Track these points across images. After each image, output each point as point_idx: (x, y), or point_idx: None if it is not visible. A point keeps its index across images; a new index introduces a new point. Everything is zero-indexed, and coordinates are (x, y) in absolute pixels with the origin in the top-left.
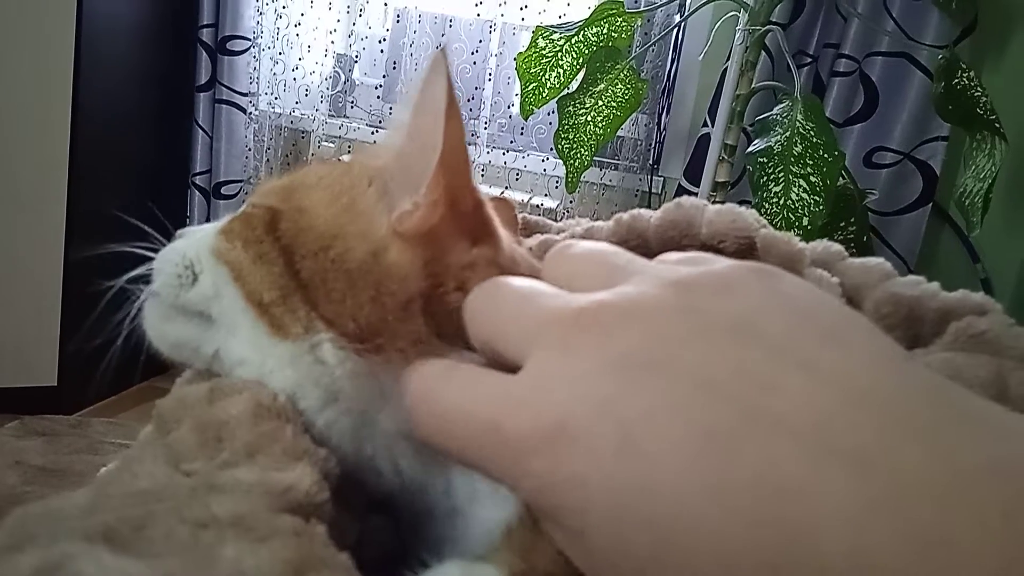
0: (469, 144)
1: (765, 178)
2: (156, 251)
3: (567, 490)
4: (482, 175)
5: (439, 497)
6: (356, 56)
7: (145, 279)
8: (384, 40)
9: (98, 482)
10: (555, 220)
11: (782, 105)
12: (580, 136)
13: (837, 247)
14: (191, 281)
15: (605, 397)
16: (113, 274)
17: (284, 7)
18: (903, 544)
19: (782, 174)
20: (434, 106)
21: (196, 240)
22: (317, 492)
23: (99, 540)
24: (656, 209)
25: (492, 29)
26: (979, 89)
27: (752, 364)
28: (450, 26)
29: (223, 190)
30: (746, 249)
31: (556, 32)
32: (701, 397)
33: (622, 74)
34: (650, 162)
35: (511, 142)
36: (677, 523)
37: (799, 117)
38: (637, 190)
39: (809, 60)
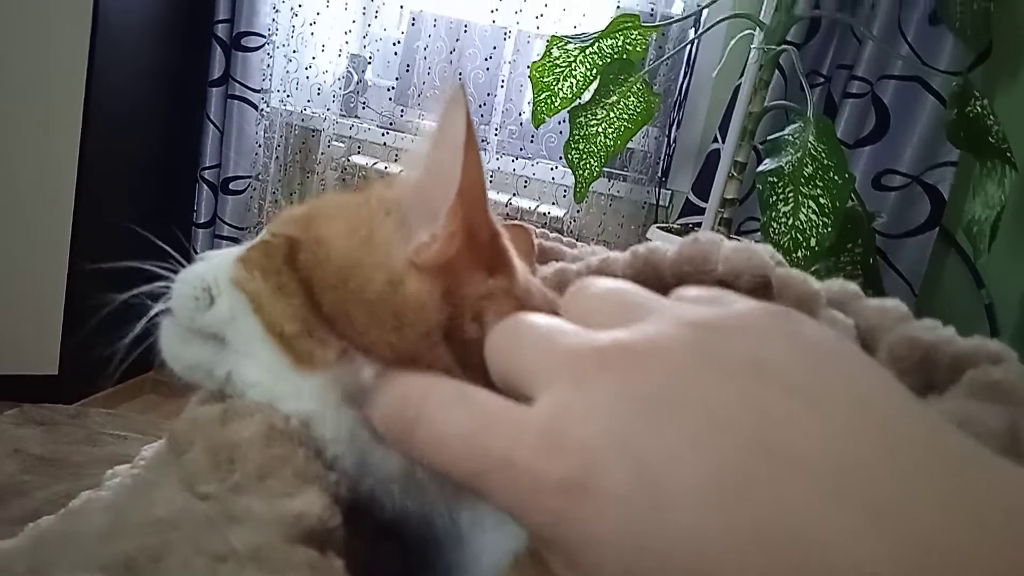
0: (479, 150)
1: (774, 197)
2: (165, 253)
3: (581, 528)
4: (491, 181)
5: (444, 525)
6: (370, 57)
7: (155, 293)
8: (398, 43)
9: (116, 499)
10: (561, 230)
11: (794, 125)
12: (590, 146)
13: (853, 287)
14: (208, 304)
15: (624, 435)
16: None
17: (300, 5)
18: None
19: (791, 194)
20: (453, 140)
21: (215, 264)
22: (329, 518)
23: (119, 571)
24: (663, 221)
25: (507, 36)
26: (991, 117)
27: (770, 404)
28: (465, 31)
29: (231, 185)
30: (761, 287)
31: (571, 42)
32: (719, 437)
33: (635, 87)
34: (659, 175)
35: (521, 149)
36: (693, 564)
37: (811, 138)
38: (645, 202)
39: (822, 80)
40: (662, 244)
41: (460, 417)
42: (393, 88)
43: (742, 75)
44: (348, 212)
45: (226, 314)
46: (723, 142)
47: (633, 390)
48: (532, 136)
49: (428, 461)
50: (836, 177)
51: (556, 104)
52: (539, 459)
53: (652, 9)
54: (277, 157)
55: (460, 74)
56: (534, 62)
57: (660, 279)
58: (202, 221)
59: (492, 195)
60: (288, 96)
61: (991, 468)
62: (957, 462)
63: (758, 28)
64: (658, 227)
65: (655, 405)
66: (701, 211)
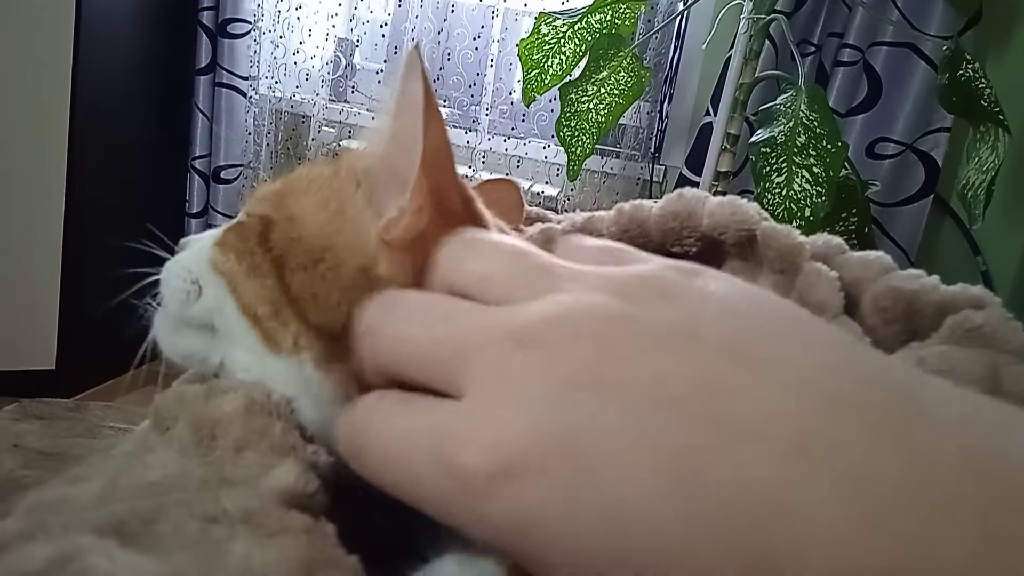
0: (470, 131)
1: (768, 168)
2: (159, 244)
3: (526, 531)
4: (483, 162)
5: None
6: (357, 40)
7: (147, 282)
8: (385, 25)
9: (110, 471)
10: (556, 209)
11: (785, 95)
12: (582, 124)
13: (837, 240)
14: (197, 296)
15: (557, 426)
16: (111, 258)
17: None
18: (888, 556)
19: (785, 164)
20: (413, 106)
21: (196, 252)
22: (305, 483)
23: (110, 533)
24: (657, 198)
25: (495, 15)
26: (983, 80)
27: (708, 372)
28: (452, 11)
29: (223, 174)
30: (746, 241)
31: (559, 18)
32: (663, 415)
33: (625, 62)
34: (652, 150)
35: (512, 129)
36: (654, 555)
37: (803, 107)
38: (638, 178)
39: (813, 49)
40: (647, 201)
41: (395, 430)
42: (382, 71)
43: (732, 46)
44: (319, 186)
45: (213, 303)
46: (715, 115)
47: (562, 375)
48: (523, 115)
49: (377, 482)
50: (829, 146)
51: (546, 82)
52: (470, 461)
53: None
54: (268, 144)
55: (414, 40)
56: (522, 40)
57: (646, 236)
58: (195, 211)
59: (485, 176)
60: (276, 82)
61: (933, 394)
62: (904, 399)
63: None
64: None
65: (588, 389)
66: (695, 185)
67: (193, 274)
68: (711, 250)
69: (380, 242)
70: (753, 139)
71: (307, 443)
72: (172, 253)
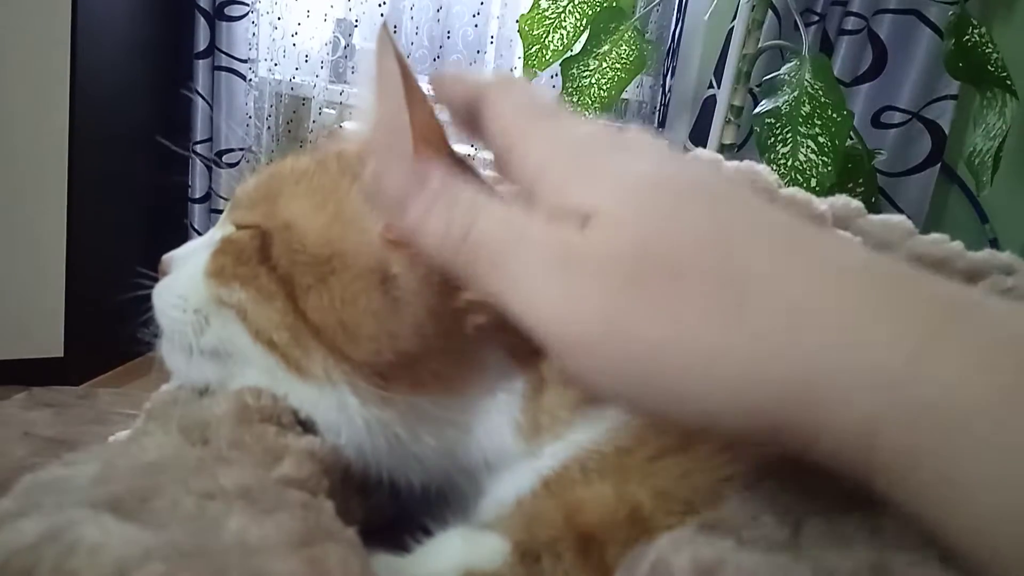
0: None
1: (772, 139)
2: (163, 234)
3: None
4: None
5: (465, 484)
6: (356, 20)
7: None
8: (384, 3)
9: (107, 453)
10: None
11: (789, 64)
12: (584, 99)
13: (856, 203)
14: (203, 327)
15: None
16: (116, 245)
17: None
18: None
19: (790, 134)
20: (393, 90)
21: (189, 278)
22: (298, 470)
23: (104, 508)
24: None
25: None
26: (990, 46)
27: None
28: None
29: (225, 159)
30: None
31: None
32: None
33: (626, 35)
34: (655, 125)
35: None
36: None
37: (807, 76)
38: None
39: (816, 18)
40: None
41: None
42: None
43: (735, 17)
44: (310, 184)
45: (222, 332)
46: (719, 87)
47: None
48: None
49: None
50: (834, 115)
51: (547, 57)
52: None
53: None
54: (269, 127)
55: (382, 19)
56: (522, 15)
57: None
58: (198, 196)
59: (487, 153)
60: (276, 65)
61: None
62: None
63: None
64: None
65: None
66: None
67: (192, 303)
68: None
69: (387, 244)
70: (757, 110)
71: (304, 434)
72: (175, 245)
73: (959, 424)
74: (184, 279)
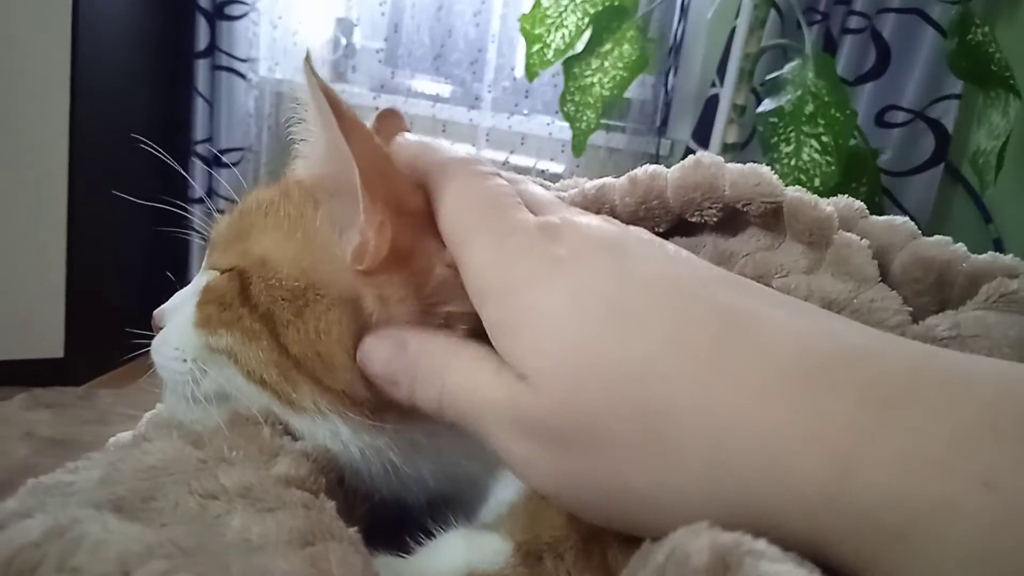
0: (473, 108)
1: (776, 138)
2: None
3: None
4: (487, 140)
5: (469, 491)
6: (356, 20)
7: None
8: (384, 3)
9: (110, 458)
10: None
11: (792, 63)
12: (586, 98)
13: (858, 204)
14: (201, 376)
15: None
16: (116, 246)
17: None
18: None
19: (793, 134)
20: (328, 122)
21: (182, 328)
22: (297, 468)
23: (108, 508)
24: None
25: None
26: (993, 45)
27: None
28: None
29: (225, 158)
30: (771, 212)
31: None
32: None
33: (628, 34)
34: (657, 124)
35: (515, 105)
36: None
37: (810, 75)
38: (645, 153)
39: (819, 17)
40: (660, 168)
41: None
42: (382, 50)
43: (737, 16)
44: (277, 214)
45: (220, 377)
46: (721, 86)
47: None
48: (527, 91)
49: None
50: (838, 114)
51: (549, 56)
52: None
53: None
54: (269, 127)
55: (308, 53)
56: (524, 14)
57: (665, 206)
58: (197, 196)
59: (489, 154)
60: (276, 64)
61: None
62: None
63: None
64: None
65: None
66: None
67: (187, 353)
68: (731, 218)
69: (356, 275)
70: (760, 109)
71: (293, 442)
72: (175, 244)
73: (899, 532)
74: (177, 332)
